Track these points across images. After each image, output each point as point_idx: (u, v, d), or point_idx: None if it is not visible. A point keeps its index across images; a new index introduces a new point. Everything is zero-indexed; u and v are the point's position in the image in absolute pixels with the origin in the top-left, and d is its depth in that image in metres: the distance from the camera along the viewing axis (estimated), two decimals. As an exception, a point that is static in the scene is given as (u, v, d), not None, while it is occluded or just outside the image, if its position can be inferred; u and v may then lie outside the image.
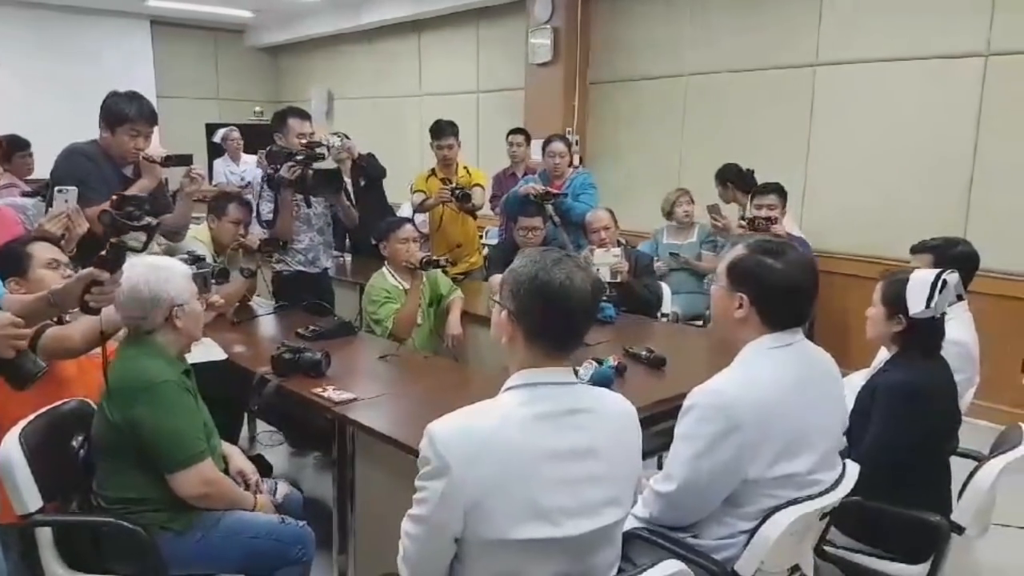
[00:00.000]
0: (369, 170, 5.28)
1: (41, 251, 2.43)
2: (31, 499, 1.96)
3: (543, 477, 1.41)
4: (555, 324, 1.47)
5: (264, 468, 3.33)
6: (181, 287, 2.18)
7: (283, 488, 2.39)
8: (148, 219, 1.98)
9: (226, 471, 2.30)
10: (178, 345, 2.22)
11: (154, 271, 2.15)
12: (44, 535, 2.02)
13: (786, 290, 1.78)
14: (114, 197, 2.07)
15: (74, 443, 2.16)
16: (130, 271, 2.10)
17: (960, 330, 2.68)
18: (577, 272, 1.46)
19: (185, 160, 3.35)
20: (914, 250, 2.98)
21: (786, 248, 1.82)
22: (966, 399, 2.75)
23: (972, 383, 2.82)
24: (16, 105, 7.80)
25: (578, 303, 1.44)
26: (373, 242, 5.25)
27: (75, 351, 2.26)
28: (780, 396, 1.74)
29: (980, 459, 2.22)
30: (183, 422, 2.08)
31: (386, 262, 3.75)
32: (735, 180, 4.98)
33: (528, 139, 5.74)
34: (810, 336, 1.95)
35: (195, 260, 2.93)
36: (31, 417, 2.08)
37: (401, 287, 3.67)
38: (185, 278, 2.21)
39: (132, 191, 3.23)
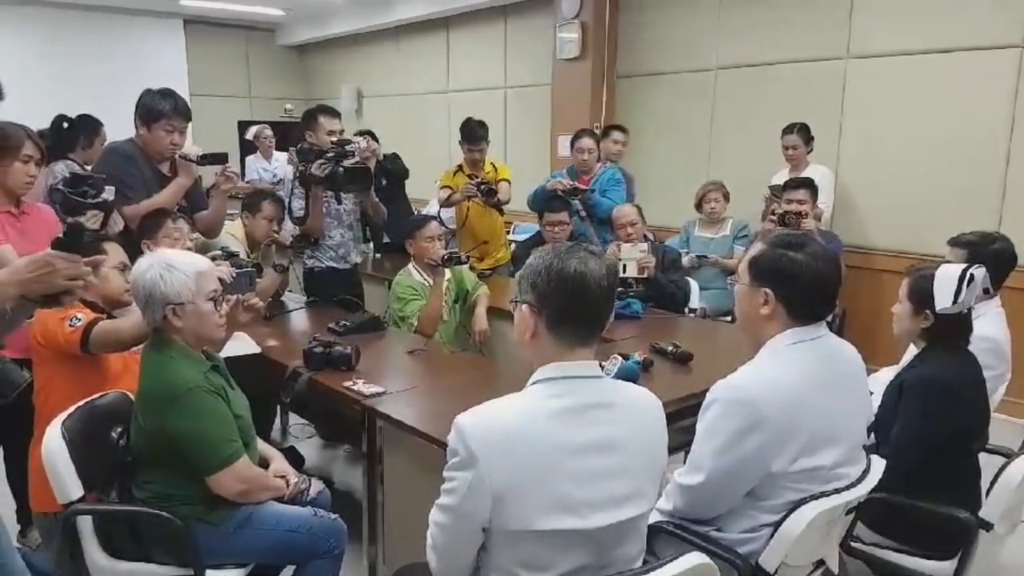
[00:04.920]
0: (393, 170, 5.32)
1: (114, 252, 2.54)
2: (73, 488, 2.03)
3: (568, 470, 1.43)
4: (576, 308, 1.49)
5: (296, 460, 3.39)
6: (182, 285, 2.08)
7: (317, 485, 2.43)
8: (103, 197, 1.74)
9: (265, 467, 2.34)
10: (196, 343, 2.17)
11: (154, 267, 2.09)
12: (85, 523, 2.09)
13: (811, 282, 1.78)
14: (68, 174, 1.90)
15: (113, 434, 2.21)
16: (136, 265, 2.14)
17: (991, 326, 2.66)
18: (590, 257, 1.50)
19: (220, 159, 3.43)
20: (951, 243, 2.94)
21: (806, 241, 1.82)
22: (997, 395, 2.72)
23: (1003, 379, 2.78)
24: (51, 105, 7.93)
25: (595, 285, 1.47)
26: (386, 240, 5.32)
27: (125, 344, 2.36)
28: (803, 391, 1.74)
29: (1009, 455, 2.20)
30: (213, 427, 2.07)
31: (412, 259, 3.79)
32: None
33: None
34: (840, 331, 1.95)
35: (229, 256, 2.99)
36: (71, 409, 2.15)
37: (427, 284, 3.70)
38: (193, 276, 2.11)
39: (170, 188, 3.32)
